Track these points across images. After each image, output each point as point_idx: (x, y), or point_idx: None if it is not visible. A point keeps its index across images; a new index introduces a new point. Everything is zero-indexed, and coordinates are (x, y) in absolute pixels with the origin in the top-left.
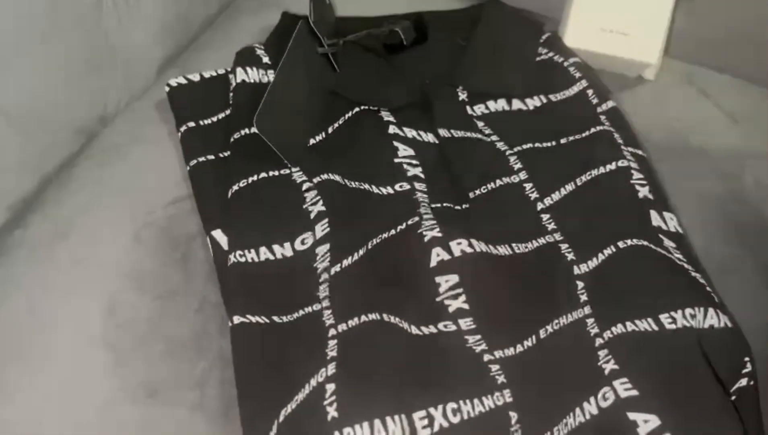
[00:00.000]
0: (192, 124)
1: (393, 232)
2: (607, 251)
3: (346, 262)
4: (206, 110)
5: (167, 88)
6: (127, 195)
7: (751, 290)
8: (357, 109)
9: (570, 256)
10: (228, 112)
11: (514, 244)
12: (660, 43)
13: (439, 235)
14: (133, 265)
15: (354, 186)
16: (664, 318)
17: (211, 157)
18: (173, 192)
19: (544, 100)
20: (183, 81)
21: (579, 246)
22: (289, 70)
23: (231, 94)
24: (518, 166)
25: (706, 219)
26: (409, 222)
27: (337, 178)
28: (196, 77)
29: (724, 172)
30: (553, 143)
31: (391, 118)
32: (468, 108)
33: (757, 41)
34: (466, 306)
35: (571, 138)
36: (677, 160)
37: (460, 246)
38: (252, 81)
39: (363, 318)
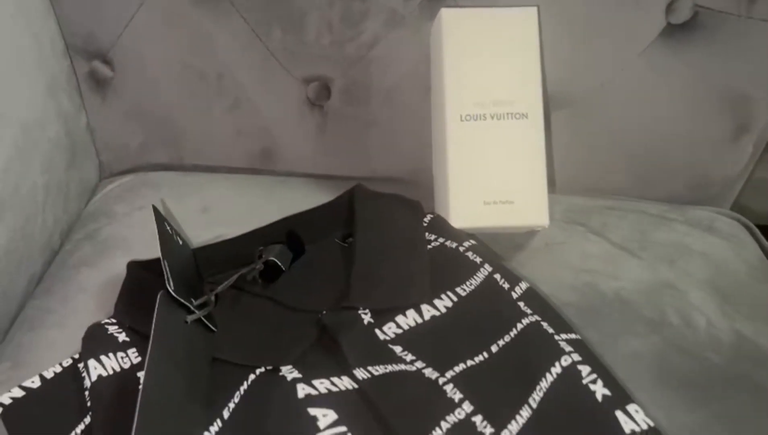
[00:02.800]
0: None
1: None
2: None
3: None
4: (58, 430)
5: None
6: None
7: None
8: (252, 376)
9: None
10: (87, 421)
11: None
12: (546, 202)
13: None
14: None
15: None
16: None
17: None
18: None
19: (454, 298)
20: (18, 393)
21: None
22: (159, 361)
23: (87, 394)
24: (458, 396)
25: (656, 384)
26: None
27: None
28: (34, 382)
29: (649, 318)
30: (485, 355)
31: (296, 373)
32: (378, 332)
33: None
34: None
35: (500, 342)
36: (601, 321)
37: None
38: (111, 371)
39: None
